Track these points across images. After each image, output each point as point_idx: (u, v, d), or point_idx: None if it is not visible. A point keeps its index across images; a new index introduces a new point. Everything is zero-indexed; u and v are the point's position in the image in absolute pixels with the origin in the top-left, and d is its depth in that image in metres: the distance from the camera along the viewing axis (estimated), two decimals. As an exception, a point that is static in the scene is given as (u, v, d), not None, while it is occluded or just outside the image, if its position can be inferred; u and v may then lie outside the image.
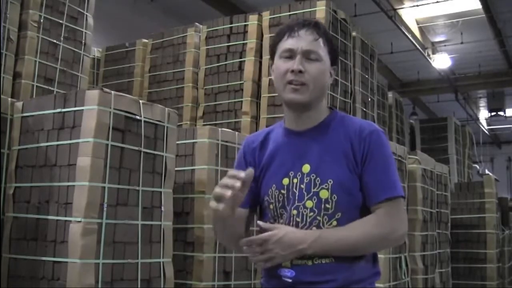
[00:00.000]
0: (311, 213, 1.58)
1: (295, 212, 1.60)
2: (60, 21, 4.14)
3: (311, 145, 1.63)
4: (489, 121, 16.81)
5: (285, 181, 1.62)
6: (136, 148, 2.99)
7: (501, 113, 14.21)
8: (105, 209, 2.77)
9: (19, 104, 3.16)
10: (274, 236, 1.53)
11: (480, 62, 12.43)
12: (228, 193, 1.43)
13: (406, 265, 4.44)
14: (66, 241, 2.70)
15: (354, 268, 1.56)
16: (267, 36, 4.92)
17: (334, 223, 1.57)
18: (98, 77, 6.30)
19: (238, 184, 1.43)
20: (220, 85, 5.16)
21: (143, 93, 5.78)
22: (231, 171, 1.48)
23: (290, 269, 1.57)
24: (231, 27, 5.22)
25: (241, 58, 5.08)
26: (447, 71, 12.75)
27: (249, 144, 1.77)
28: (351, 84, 5.09)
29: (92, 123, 2.76)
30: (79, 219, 2.67)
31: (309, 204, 1.58)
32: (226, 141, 3.79)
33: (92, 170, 2.72)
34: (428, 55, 11.52)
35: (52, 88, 4.03)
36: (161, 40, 5.79)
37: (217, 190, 1.46)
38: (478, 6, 9.49)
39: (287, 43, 1.63)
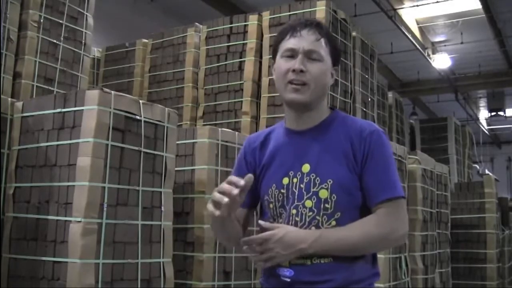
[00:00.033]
0: (310, 213, 1.58)
1: (294, 211, 1.60)
2: (60, 21, 4.14)
3: (312, 145, 1.63)
4: (489, 121, 16.81)
5: (285, 180, 1.63)
6: (136, 148, 2.99)
7: (501, 113, 14.21)
8: (105, 209, 2.77)
9: (19, 104, 3.16)
10: (274, 235, 1.53)
11: (480, 62, 12.43)
12: (225, 199, 1.45)
13: (406, 265, 4.44)
14: (66, 241, 2.70)
15: (353, 268, 1.56)
16: (267, 36, 4.92)
17: (333, 223, 1.57)
18: (98, 77, 6.30)
19: (235, 191, 1.44)
20: (220, 85, 5.16)
21: (143, 93, 5.78)
22: (231, 177, 1.48)
23: (289, 268, 1.57)
24: (231, 27, 5.22)
25: (241, 58, 5.08)
26: (447, 71, 12.75)
27: (249, 144, 1.78)
28: (351, 84, 5.09)
29: (92, 123, 2.76)
30: (79, 219, 2.67)
31: (309, 203, 1.58)
32: (226, 141, 3.79)
33: (92, 170, 2.72)
34: (428, 55, 11.52)
35: (52, 88, 4.03)
36: (161, 40, 5.79)
37: (215, 195, 1.47)
38: (478, 6, 9.49)
39: (289, 43, 1.63)
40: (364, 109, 5.41)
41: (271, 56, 5.12)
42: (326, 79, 1.65)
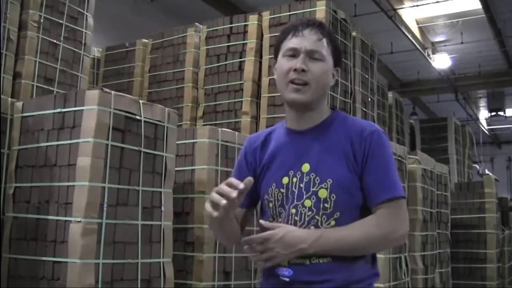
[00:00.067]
0: (310, 212, 1.58)
1: (293, 211, 1.60)
2: (60, 21, 4.14)
3: (312, 145, 1.64)
4: (489, 121, 16.81)
5: (285, 180, 1.63)
6: (136, 148, 2.99)
7: (501, 113, 14.21)
8: (105, 209, 2.77)
9: (19, 104, 3.16)
10: (275, 235, 1.54)
11: (480, 62, 12.43)
12: (223, 202, 1.45)
13: (406, 265, 4.44)
14: (66, 241, 2.70)
15: (353, 268, 1.56)
16: (267, 36, 4.92)
17: (333, 222, 1.57)
18: (98, 77, 6.30)
19: (234, 195, 1.45)
20: (220, 85, 5.16)
21: (143, 93, 5.78)
22: (231, 179, 1.49)
23: (288, 268, 1.57)
24: (231, 27, 5.22)
25: (241, 58, 5.08)
26: (447, 71, 12.76)
27: (250, 144, 1.78)
28: (351, 84, 5.09)
29: (92, 123, 2.76)
30: (79, 219, 2.67)
31: (308, 203, 1.58)
32: (226, 141, 3.79)
33: (92, 170, 2.73)
34: (428, 55, 11.53)
35: (52, 88, 4.03)
36: (161, 40, 5.79)
37: (214, 196, 1.48)
38: (478, 6, 9.49)
39: (291, 42, 1.64)
40: (364, 109, 5.41)
41: (271, 56, 5.12)
42: (327, 79, 1.65)
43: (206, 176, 3.64)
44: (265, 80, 4.85)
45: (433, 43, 11.78)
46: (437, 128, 9.57)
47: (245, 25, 5.12)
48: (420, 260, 4.71)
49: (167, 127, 3.19)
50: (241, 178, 1.49)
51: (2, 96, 3.16)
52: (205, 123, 5.08)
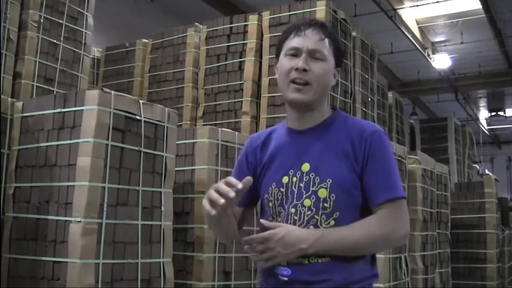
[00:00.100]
0: (309, 212, 1.58)
1: (293, 210, 1.60)
2: (60, 21, 4.14)
3: (312, 144, 1.64)
4: (489, 121, 16.81)
5: (285, 179, 1.63)
6: (136, 148, 2.99)
7: (501, 113, 14.21)
8: (105, 209, 2.77)
9: (19, 104, 3.16)
10: (275, 234, 1.54)
11: (480, 62, 12.43)
12: (221, 201, 1.46)
13: (406, 265, 4.44)
14: (66, 241, 2.70)
15: (352, 268, 1.56)
16: (267, 36, 4.92)
17: (332, 222, 1.57)
18: (98, 77, 6.30)
19: (232, 194, 1.45)
20: (220, 85, 5.16)
21: (143, 93, 5.78)
22: (230, 179, 1.49)
23: (287, 267, 1.57)
24: (231, 27, 5.22)
25: (241, 58, 5.08)
26: (447, 71, 12.76)
27: (251, 144, 1.79)
28: (351, 84, 5.09)
29: (92, 123, 2.76)
30: (79, 219, 2.67)
31: (307, 202, 1.58)
32: (226, 141, 3.79)
33: (92, 170, 2.73)
34: (428, 55, 11.53)
35: (52, 88, 4.03)
36: (161, 40, 5.79)
37: (212, 194, 1.48)
38: (478, 6, 9.49)
39: (293, 42, 1.64)
40: (364, 109, 5.41)
41: (271, 56, 5.12)
42: (328, 79, 1.65)
43: (206, 176, 3.64)
44: (265, 80, 4.85)
45: (433, 43, 11.78)
46: (437, 128, 9.57)
47: (245, 25, 5.12)
48: (420, 260, 4.71)
49: (167, 127, 3.19)
50: (241, 178, 1.49)
51: (2, 96, 3.16)
52: (205, 123, 5.08)
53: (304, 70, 1.60)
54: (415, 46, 10.77)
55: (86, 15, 4.37)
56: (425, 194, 4.90)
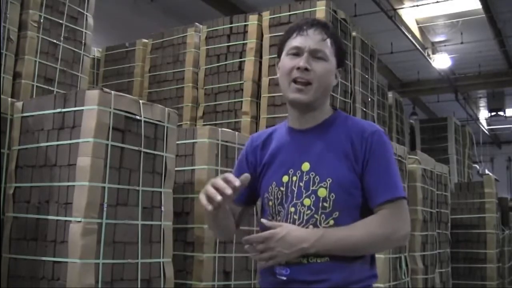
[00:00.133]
0: (309, 211, 1.58)
1: (292, 209, 1.60)
2: (60, 21, 4.14)
3: (313, 143, 1.64)
4: (489, 121, 16.82)
5: (285, 178, 1.63)
6: (136, 148, 2.99)
7: (501, 113, 14.22)
8: (105, 209, 2.77)
9: (19, 104, 3.16)
10: (276, 234, 1.54)
11: (480, 62, 12.44)
12: (218, 198, 1.46)
13: (406, 265, 4.44)
14: (66, 241, 2.70)
15: (352, 268, 1.56)
16: (267, 36, 4.92)
17: (331, 222, 1.57)
18: (98, 77, 6.30)
19: (229, 192, 1.45)
20: (220, 85, 5.16)
21: (143, 93, 5.78)
22: (228, 175, 1.49)
23: (285, 267, 1.57)
24: (231, 27, 5.22)
25: (241, 58, 5.08)
26: (447, 71, 12.76)
27: (251, 144, 1.79)
28: (351, 84, 5.09)
29: (92, 123, 2.76)
30: (79, 219, 2.67)
31: (307, 202, 1.58)
32: (226, 141, 3.79)
33: (92, 170, 2.72)
34: (428, 55, 11.53)
35: (52, 88, 4.03)
36: (161, 40, 5.79)
37: (209, 190, 1.48)
38: (478, 6, 9.49)
39: (295, 41, 1.64)
40: (364, 109, 5.41)
41: (271, 56, 5.11)
42: (330, 78, 1.66)
43: (206, 176, 3.64)
44: (265, 80, 4.85)
45: (433, 43, 11.78)
46: (437, 128, 9.57)
47: (245, 25, 5.12)
48: (420, 260, 4.71)
49: (167, 127, 3.19)
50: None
51: (2, 96, 3.16)
52: (205, 123, 5.08)
53: (306, 69, 1.60)
54: (415, 46, 10.78)
55: (86, 15, 4.37)
56: (425, 194, 4.90)
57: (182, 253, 3.61)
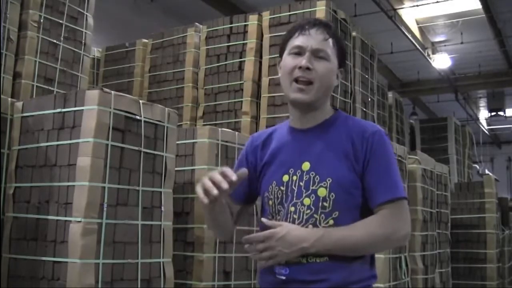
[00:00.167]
0: (308, 211, 1.58)
1: (292, 209, 1.60)
2: (60, 21, 4.14)
3: (313, 143, 1.64)
4: (489, 121, 16.82)
5: (285, 178, 1.63)
6: (136, 148, 2.99)
7: (501, 113, 14.22)
8: (105, 209, 2.76)
9: (19, 104, 3.16)
10: (276, 233, 1.54)
11: (480, 62, 12.44)
12: (215, 192, 1.46)
13: (406, 265, 4.44)
14: (66, 241, 2.70)
15: (352, 269, 1.56)
16: (267, 36, 4.92)
17: (331, 222, 1.57)
18: (98, 77, 6.30)
19: (225, 186, 1.46)
20: (220, 85, 5.16)
21: (143, 93, 5.78)
22: (225, 170, 1.49)
23: (285, 266, 1.57)
24: (231, 27, 5.22)
25: (241, 58, 5.08)
26: (447, 71, 12.76)
27: (252, 143, 1.79)
28: (351, 84, 5.09)
29: (92, 123, 2.76)
30: (79, 219, 2.67)
31: (307, 201, 1.58)
32: (226, 141, 3.79)
33: (92, 170, 2.72)
34: (428, 55, 11.53)
35: (52, 88, 4.03)
36: (161, 40, 5.79)
37: (206, 183, 1.49)
38: (478, 6, 9.49)
39: (297, 40, 1.65)
40: (364, 109, 5.41)
41: (271, 56, 5.10)
42: (331, 78, 1.66)
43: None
44: (265, 80, 4.85)
45: (433, 43, 11.78)
46: (437, 128, 9.57)
47: (245, 25, 5.12)
48: (420, 260, 4.71)
49: (167, 127, 3.19)
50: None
51: (2, 96, 3.16)
52: (205, 123, 5.08)
53: (308, 68, 1.60)
54: (415, 46, 10.78)
55: (86, 15, 4.37)
56: (425, 194, 4.90)
57: (182, 253, 3.61)
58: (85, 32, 4.34)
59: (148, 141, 3.07)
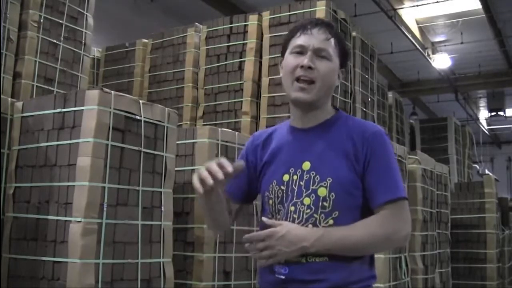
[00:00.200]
0: (308, 210, 1.58)
1: (292, 208, 1.60)
2: (60, 21, 4.14)
3: (314, 143, 1.64)
4: (489, 121, 16.82)
5: (286, 177, 1.64)
6: (136, 148, 2.99)
7: (501, 113, 14.22)
8: (105, 209, 2.76)
9: (19, 104, 3.16)
10: (277, 232, 1.54)
11: (480, 62, 12.44)
12: (210, 182, 1.48)
13: (406, 265, 4.44)
14: (66, 241, 2.70)
15: (351, 269, 1.56)
16: (267, 36, 4.92)
17: (331, 221, 1.57)
18: (98, 77, 6.30)
19: (220, 176, 1.47)
20: (220, 85, 5.16)
21: (143, 93, 5.78)
22: (223, 160, 1.50)
23: (284, 266, 1.57)
24: (231, 27, 5.22)
25: (241, 58, 5.08)
26: (447, 71, 12.76)
27: (252, 142, 1.80)
28: (351, 84, 5.09)
29: (92, 123, 2.76)
30: (79, 219, 2.67)
31: (307, 201, 1.59)
32: (226, 141, 3.79)
33: (92, 170, 2.72)
34: (428, 55, 11.53)
35: (52, 88, 4.03)
36: (161, 40, 5.79)
37: (203, 173, 1.50)
38: (478, 6, 9.49)
39: (299, 40, 1.65)
40: (364, 109, 5.41)
41: (271, 56, 5.09)
42: (333, 78, 1.66)
43: (206, 176, 3.63)
44: (265, 80, 4.85)
45: (433, 43, 11.78)
46: (437, 128, 9.57)
47: (245, 25, 5.12)
48: (420, 260, 4.71)
49: (167, 127, 3.19)
50: (237, 174, 1.52)
51: (2, 96, 3.16)
52: (205, 123, 5.08)
53: (310, 67, 1.61)
54: (415, 46, 10.78)
55: (86, 15, 4.37)
56: (425, 194, 4.90)
57: (182, 253, 3.61)
58: (85, 32, 4.35)
59: (148, 141, 3.07)
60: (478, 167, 13.64)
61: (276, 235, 1.53)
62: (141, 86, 5.88)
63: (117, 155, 2.88)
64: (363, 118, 4.91)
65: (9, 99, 3.23)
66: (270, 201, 1.66)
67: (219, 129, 3.83)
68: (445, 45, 11.76)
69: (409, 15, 10.35)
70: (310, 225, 1.57)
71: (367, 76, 5.58)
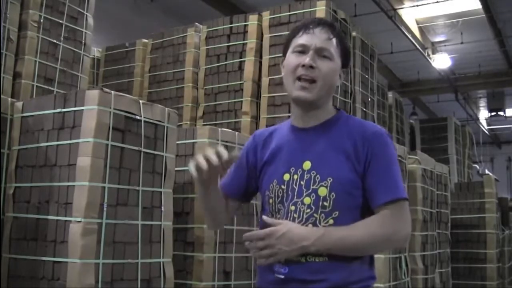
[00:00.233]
0: (308, 210, 1.58)
1: (293, 207, 1.60)
2: (60, 21, 4.14)
3: (315, 142, 1.64)
4: (489, 121, 16.82)
5: (286, 176, 1.64)
6: (136, 148, 2.99)
7: (501, 113, 14.22)
8: (105, 209, 2.76)
9: (19, 104, 3.16)
10: (277, 231, 1.54)
11: (480, 62, 12.44)
12: (205, 166, 1.52)
13: (406, 265, 4.44)
14: (66, 241, 2.70)
15: (351, 269, 1.56)
16: (267, 36, 4.92)
17: (331, 221, 1.57)
18: (98, 77, 6.30)
19: (214, 159, 1.51)
20: (220, 85, 5.16)
21: (143, 93, 5.78)
22: (219, 149, 1.54)
23: (284, 265, 1.57)
24: (231, 27, 5.22)
25: (241, 58, 5.08)
26: (447, 71, 12.76)
27: (253, 141, 1.80)
28: (351, 84, 5.09)
29: (92, 123, 2.76)
30: (79, 219, 2.67)
31: (307, 200, 1.58)
32: (226, 141, 3.79)
33: (92, 170, 2.72)
34: (428, 55, 11.53)
35: (52, 88, 4.03)
36: (161, 40, 5.79)
37: (199, 159, 1.54)
38: (478, 6, 9.49)
39: (301, 39, 1.65)
40: (364, 109, 5.41)
41: (271, 56, 5.09)
42: (334, 78, 1.66)
43: (206, 176, 3.63)
44: (265, 80, 4.85)
45: (433, 43, 11.78)
46: (437, 128, 9.57)
47: (245, 25, 5.12)
48: (420, 260, 4.71)
49: (167, 127, 3.19)
50: (237, 172, 1.60)
51: (2, 96, 3.16)
52: (205, 123, 5.08)
53: (311, 67, 1.61)
54: (415, 46, 10.78)
55: (86, 15, 4.37)
56: (425, 194, 4.90)
57: (182, 253, 3.61)
58: (85, 32, 4.35)
59: (148, 141, 3.07)
60: (478, 167, 13.64)
61: (276, 234, 1.53)
62: (141, 86, 5.88)
63: (117, 155, 2.88)
64: (363, 118, 4.90)
65: (9, 99, 3.23)
66: (271, 200, 1.66)
67: (219, 129, 3.83)
68: (445, 45, 11.77)
69: (409, 15, 10.35)
70: (310, 225, 1.57)
71: (367, 76, 5.58)
